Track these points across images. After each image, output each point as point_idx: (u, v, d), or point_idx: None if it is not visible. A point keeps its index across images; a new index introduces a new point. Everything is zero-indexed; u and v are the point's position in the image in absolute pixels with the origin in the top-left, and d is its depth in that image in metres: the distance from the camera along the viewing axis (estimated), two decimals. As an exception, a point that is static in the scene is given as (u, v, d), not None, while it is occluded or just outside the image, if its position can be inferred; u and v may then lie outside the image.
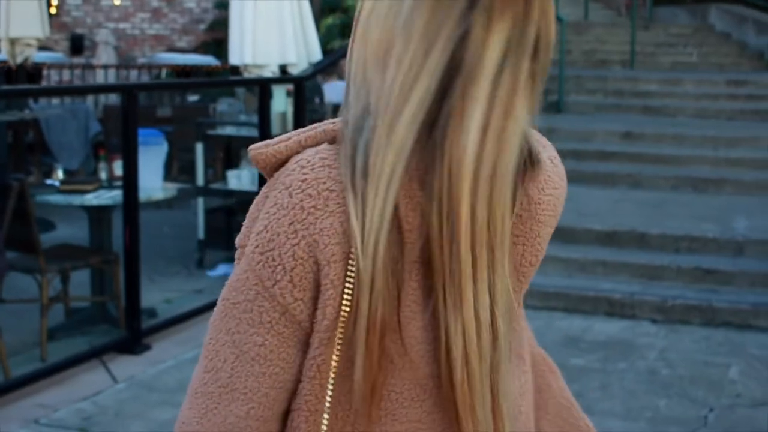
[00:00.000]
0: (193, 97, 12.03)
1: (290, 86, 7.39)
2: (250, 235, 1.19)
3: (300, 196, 1.15)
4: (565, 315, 6.41)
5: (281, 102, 7.44)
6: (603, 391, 5.04)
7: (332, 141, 1.20)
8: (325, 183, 1.16)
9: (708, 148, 9.55)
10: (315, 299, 1.17)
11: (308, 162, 1.17)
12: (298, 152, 1.20)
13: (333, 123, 1.22)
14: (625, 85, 12.17)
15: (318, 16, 9.33)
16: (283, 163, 1.21)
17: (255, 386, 1.19)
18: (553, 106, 11.21)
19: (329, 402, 1.21)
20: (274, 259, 1.16)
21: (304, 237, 1.15)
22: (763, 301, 6.32)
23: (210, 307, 5.54)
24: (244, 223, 1.22)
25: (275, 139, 1.22)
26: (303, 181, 1.16)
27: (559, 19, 11.73)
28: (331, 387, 1.21)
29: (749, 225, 7.46)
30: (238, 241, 1.23)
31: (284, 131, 7.53)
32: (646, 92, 11.89)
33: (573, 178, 8.75)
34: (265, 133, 6.81)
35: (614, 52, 14.51)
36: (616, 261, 6.95)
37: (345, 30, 13.96)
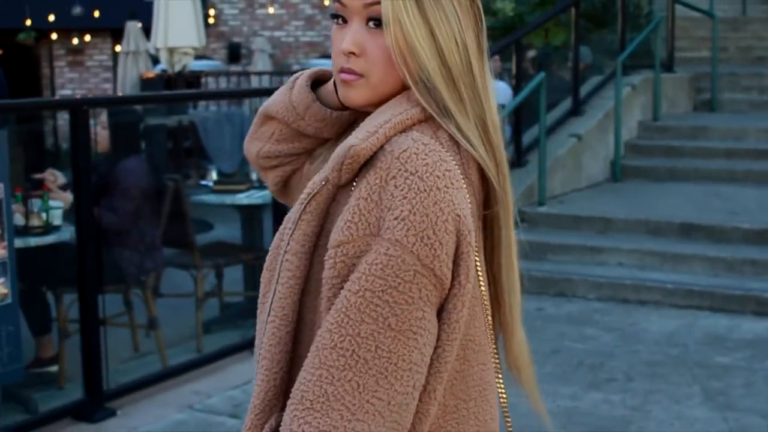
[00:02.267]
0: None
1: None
2: (380, 225, 1.27)
3: (432, 179, 1.28)
4: (710, 314, 6.32)
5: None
6: (747, 388, 4.98)
7: (404, 130, 1.35)
8: (442, 164, 1.31)
9: None
10: (455, 266, 1.31)
11: (419, 149, 1.31)
12: (383, 144, 1.33)
13: (401, 114, 1.36)
14: (782, 82, 11.81)
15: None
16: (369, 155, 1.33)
17: (418, 358, 1.28)
18: (706, 104, 10.98)
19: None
20: (429, 237, 1.27)
21: (450, 213, 1.28)
22: None
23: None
24: (347, 220, 1.29)
25: (363, 135, 1.33)
26: (426, 165, 1.29)
27: (710, 15, 11.49)
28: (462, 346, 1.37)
29: None
30: (340, 238, 1.29)
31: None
32: (804, 89, 11.52)
33: (725, 177, 8.65)
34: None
35: (772, 48, 14.08)
36: (766, 260, 6.81)
37: (494, 33, 14.01)
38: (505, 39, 9.85)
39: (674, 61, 11.12)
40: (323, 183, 1.34)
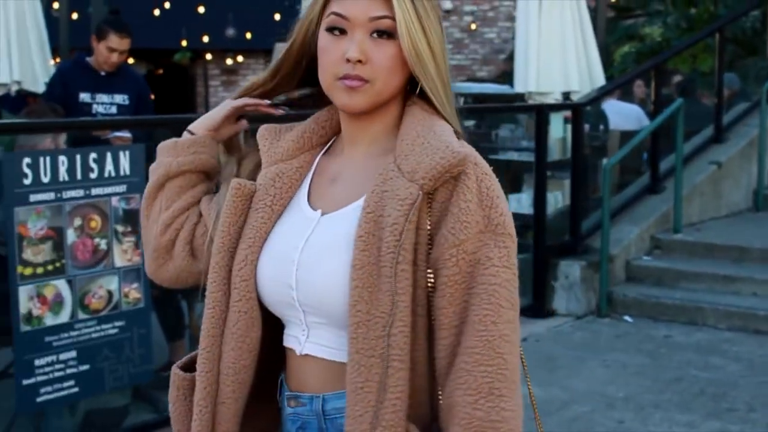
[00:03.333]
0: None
1: (568, 113, 7.52)
2: (487, 222, 1.46)
3: (496, 179, 1.51)
4: None
5: (559, 128, 7.59)
6: None
7: None
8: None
9: None
10: None
11: (478, 155, 1.52)
12: None
13: (446, 125, 1.56)
14: None
15: (603, 44, 9.38)
16: None
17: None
18: None
19: None
20: (513, 229, 1.50)
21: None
22: None
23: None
24: (462, 221, 1.46)
25: (458, 147, 1.50)
26: (489, 168, 1.51)
27: None
28: None
29: None
30: (462, 237, 1.46)
31: (563, 156, 7.67)
32: None
33: None
34: (541, 158, 6.99)
35: None
36: None
37: (640, 57, 13.86)
38: (646, 63, 9.76)
39: (827, 88, 10.76)
40: (419, 194, 1.46)
